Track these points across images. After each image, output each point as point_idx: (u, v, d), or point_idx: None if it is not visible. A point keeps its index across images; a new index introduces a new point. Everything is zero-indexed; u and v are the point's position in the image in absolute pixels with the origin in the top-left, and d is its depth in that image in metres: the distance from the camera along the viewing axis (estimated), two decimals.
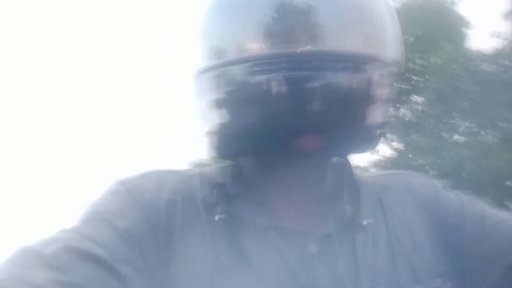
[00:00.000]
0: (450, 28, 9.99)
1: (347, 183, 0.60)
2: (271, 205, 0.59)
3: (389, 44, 0.57)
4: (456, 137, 9.48)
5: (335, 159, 0.57)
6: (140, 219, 0.54)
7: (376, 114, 0.57)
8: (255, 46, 0.53)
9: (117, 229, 0.51)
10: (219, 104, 0.57)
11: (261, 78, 0.52)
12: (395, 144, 10.25)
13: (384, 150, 10.22)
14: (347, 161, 0.63)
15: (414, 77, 10.29)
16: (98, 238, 0.49)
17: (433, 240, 0.61)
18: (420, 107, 10.20)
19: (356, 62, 0.53)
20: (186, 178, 0.62)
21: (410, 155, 9.22)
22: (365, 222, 0.58)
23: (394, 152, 10.15)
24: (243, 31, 0.54)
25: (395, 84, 0.60)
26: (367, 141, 0.60)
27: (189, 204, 0.58)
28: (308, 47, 0.51)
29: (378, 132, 0.60)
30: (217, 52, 0.56)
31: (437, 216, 0.63)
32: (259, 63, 0.52)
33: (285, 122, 0.53)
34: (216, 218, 0.56)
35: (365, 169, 8.98)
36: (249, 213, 0.58)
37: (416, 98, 10.35)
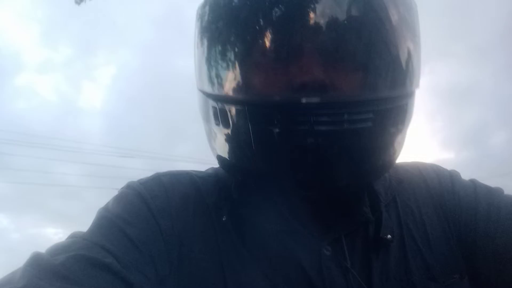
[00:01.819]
0: None
1: (367, 194, 0.58)
2: (284, 209, 0.57)
3: (400, 77, 0.51)
4: None
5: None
6: (152, 226, 0.53)
7: (387, 151, 0.53)
8: (256, 90, 0.48)
9: (128, 236, 0.51)
10: (217, 133, 0.54)
11: (258, 127, 0.48)
12: None
13: None
14: None
15: None
16: (109, 245, 0.49)
17: (449, 234, 0.59)
18: None
19: (358, 112, 0.47)
20: (198, 180, 0.61)
21: None
22: (388, 237, 0.55)
23: None
24: (254, 70, 0.49)
25: (411, 107, 0.54)
26: (379, 172, 0.56)
27: (200, 209, 0.57)
28: (309, 98, 0.46)
29: (391, 162, 0.56)
30: (220, 83, 0.52)
31: (453, 209, 0.60)
32: (258, 110, 0.48)
33: (285, 177, 0.50)
34: (223, 218, 0.55)
35: None
36: (260, 217, 0.57)
37: None
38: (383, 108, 0.48)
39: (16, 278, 0.44)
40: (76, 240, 0.50)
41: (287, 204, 0.57)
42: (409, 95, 0.53)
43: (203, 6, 0.55)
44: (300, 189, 0.51)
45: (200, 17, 0.55)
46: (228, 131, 0.51)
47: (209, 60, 0.52)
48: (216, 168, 0.64)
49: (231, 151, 0.53)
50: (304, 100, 0.46)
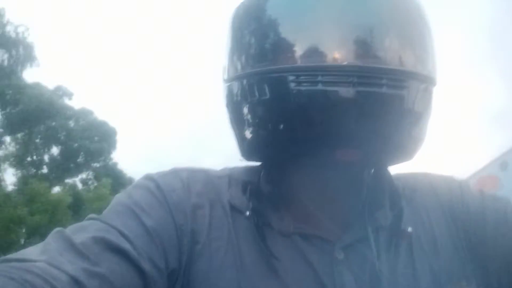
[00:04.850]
0: None
1: (388, 192, 0.60)
2: (298, 210, 0.58)
3: (430, 60, 0.57)
4: None
5: (372, 171, 0.56)
6: (167, 219, 0.54)
7: (416, 128, 0.56)
8: (298, 57, 0.51)
9: (144, 226, 0.51)
10: (258, 110, 0.55)
11: (305, 89, 0.51)
12: None
13: None
14: (386, 170, 0.62)
15: None
16: (126, 230, 0.49)
17: (457, 241, 0.60)
18: None
19: (397, 79, 0.52)
20: (215, 179, 0.62)
21: None
22: (409, 229, 0.57)
23: None
24: (291, 38, 0.53)
25: (432, 99, 0.58)
26: (406, 153, 0.59)
27: (216, 208, 0.58)
28: (353, 62, 0.50)
29: (417, 144, 0.58)
30: (258, 58, 0.55)
31: (462, 218, 0.61)
32: (304, 74, 0.51)
33: (326, 134, 0.51)
34: (247, 213, 0.56)
35: None
36: (275, 218, 0.57)
37: None
38: (415, 82, 0.53)
39: (38, 252, 0.45)
40: (94, 222, 0.51)
41: (304, 206, 0.58)
42: (434, 83, 0.58)
43: None
44: (337, 148, 0.53)
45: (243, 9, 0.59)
46: (271, 100, 0.53)
47: (258, 37, 0.55)
48: (232, 168, 0.65)
49: (272, 120, 0.54)
50: (345, 63, 0.50)
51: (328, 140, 0.52)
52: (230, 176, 0.62)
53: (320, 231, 0.57)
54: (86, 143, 16.45)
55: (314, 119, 0.51)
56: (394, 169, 0.64)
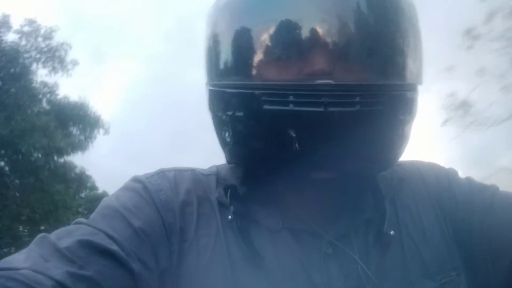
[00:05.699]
0: None
1: (371, 191, 0.59)
2: (285, 206, 0.58)
3: (411, 66, 0.54)
4: None
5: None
6: (155, 219, 0.54)
7: (397, 138, 0.53)
8: (270, 74, 0.50)
9: (132, 227, 0.52)
10: (231, 122, 0.54)
11: (273, 109, 0.49)
12: None
13: None
14: None
15: None
16: (113, 233, 0.50)
17: (446, 232, 0.59)
18: None
19: (372, 95, 0.49)
20: (202, 177, 0.62)
21: None
22: (391, 232, 0.56)
23: None
24: (260, 55, 0.51)
25: (415, 102, 0.55)
26: (387, 163, 0.56)
27: (204, 205, 0.58)
28: (325, 80, 0.48)
29: (398, 154, 0.56)
30: (232, 71, 0.53)
31: (449, 207, 0.61)
32: (272, 93, 0.49)
33: (299, 154, 0.49)
34: (229, 217, 0.56)
35: None
36: (263, 215, 0.57)
37: None
38: (393, 94, 0.50)
39: (22, 259, 0.45)
40: (80, 226, 0.51)
41: (290, 202, 0.58)
42: (415, 88, 0.55)
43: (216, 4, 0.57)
44: (312, 170, 0.51)
45: (216, 11, 0.57)
46: (244, 117, 0.52)
47: (230, 49, 0.54)
48: (219, 166, 0.65)
49: (246, 137, 0.53)
50: (317, 82, 0.48)
51: (301, 160, 0.50)
52: (217, 174, 0.63)
53: (308, 226, 0.57)
54: None
55: (286, 139, 0.49)
56: None
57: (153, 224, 0.54)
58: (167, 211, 0.56)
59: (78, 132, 11.97)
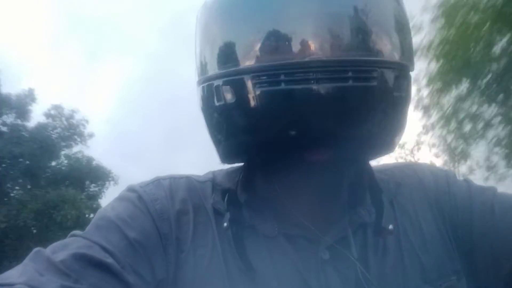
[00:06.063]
0: None
1: (369, 188, 0.58)
2: (281, 211, 0.57)
3: (401, 46, 0.53)
4: None
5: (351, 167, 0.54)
6: (151, 229, 0.54)
7: (393, 120, 0.53)
8: (260, 57, 0.50)
9: (128, 238, 0.51)
10: (223, 113, 0.54)
11: (265, 90, 0.49)
12: None
13: None
14: (367, 164, 0.60)
15: None
16: (108, 245, 0.50)
17: (445, 236, 0.58)
18: None
19: (364, 71, 0.49)
20: (198, 184, 0.61)
21: None
22: (390, 227, 0.55)
23: None
24: (251, 38, 0.50)
25: (409, 86, 0.55)
26: (384, 147, 0.56)
27: (200, 213, 0.58)
28: (316, 56, 0.47)
29: (395, 137, 0.55)
30: (221, 60, 0.53)
31: (449, 209, 0.60)
32: (263, 74, 0.49)
33: (292, 136, 0.49)
34: (225, 225, 0.55)
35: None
36: (259, 221, 0.57)
37: None
38: (385, 71, 0.50)
39: (17, 274, 0.45)
40: (76, 239, 0.51)
41: (287, 205, 0.57)
42: (407, 69, 0.54)
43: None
44: (307, 150, 0.50)
45: (202, 9, 0.58)
46: (235, 104, 0.51)
47: (217, 40, 0.53)
48: (215, 171, 0.65)
49: (238, 127, 0.53)
50: (307, 59, 0.48)
51: (297, 141, 0.49)
52: (213, 181, 0.62)
53: (304, 231, 0.56)
54: None
55: (279, 120, 0.49)
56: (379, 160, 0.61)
57: (148, 235, 0.53)
58: (162, 220, 0.55)
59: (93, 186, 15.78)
